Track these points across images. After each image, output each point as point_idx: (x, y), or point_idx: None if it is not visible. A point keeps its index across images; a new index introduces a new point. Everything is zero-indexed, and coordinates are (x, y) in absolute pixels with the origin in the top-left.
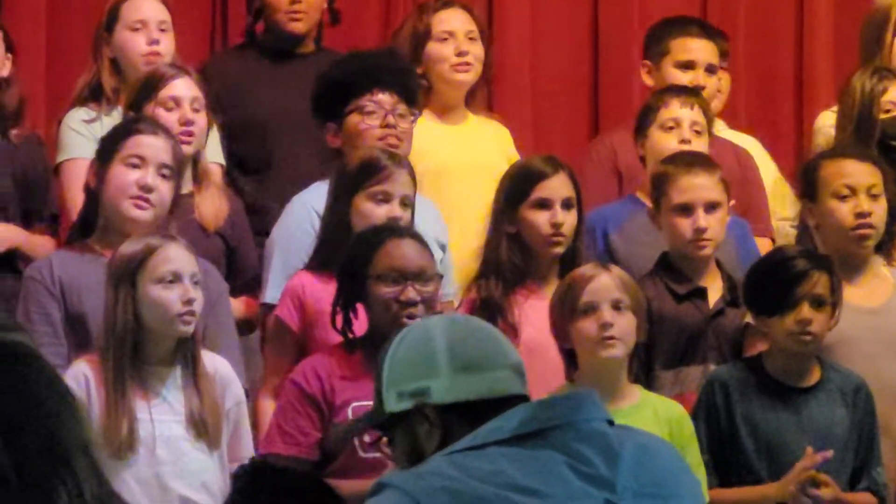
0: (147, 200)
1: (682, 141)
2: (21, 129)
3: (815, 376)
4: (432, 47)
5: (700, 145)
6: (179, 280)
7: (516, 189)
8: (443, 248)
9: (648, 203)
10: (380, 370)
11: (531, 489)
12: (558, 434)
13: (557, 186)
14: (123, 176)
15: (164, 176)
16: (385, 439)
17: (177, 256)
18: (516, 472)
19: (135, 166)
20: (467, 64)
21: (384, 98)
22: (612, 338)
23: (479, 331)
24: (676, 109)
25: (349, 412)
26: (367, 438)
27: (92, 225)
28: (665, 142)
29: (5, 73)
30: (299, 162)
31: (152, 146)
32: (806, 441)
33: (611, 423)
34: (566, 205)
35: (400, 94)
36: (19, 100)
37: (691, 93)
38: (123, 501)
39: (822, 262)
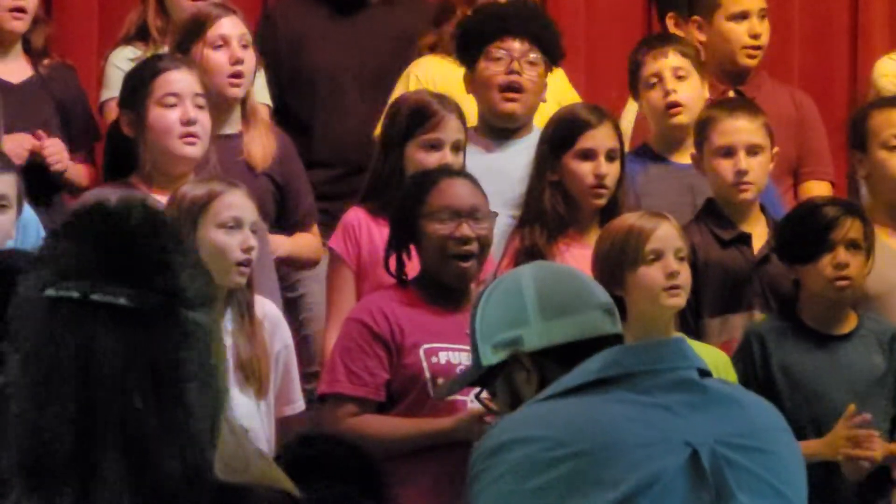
0: (194, 135)
1: (668, 92)
2: (50, 59)
3: (850, 323)
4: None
5: (688, 87)
6: (240, 227)
7: (561, 137)
8: None
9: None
10: (473, 326)
11: (597, 433)
12: (640, 380)
13: (602, 137)
14: (165, 117)
15: (199, 106)
16: (486, 394)
17: (240, 203)
18: (588, 415)
19: (171, 105)
20: None
21: (514, 45)
22: (677, 286)
23: (566, 274)
24: (652, 64)
25: (420, 354)
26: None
27: (124, 165)
28: (653, 99)
29: (26, 5)
30: (347, 119)
31: (182, 80)
32: (843, 387)
33: (704, 373)
34: (610, 156)
35: (532, 42)
36: (46, 37)
37: (661, 40)
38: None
39: (853, 208)
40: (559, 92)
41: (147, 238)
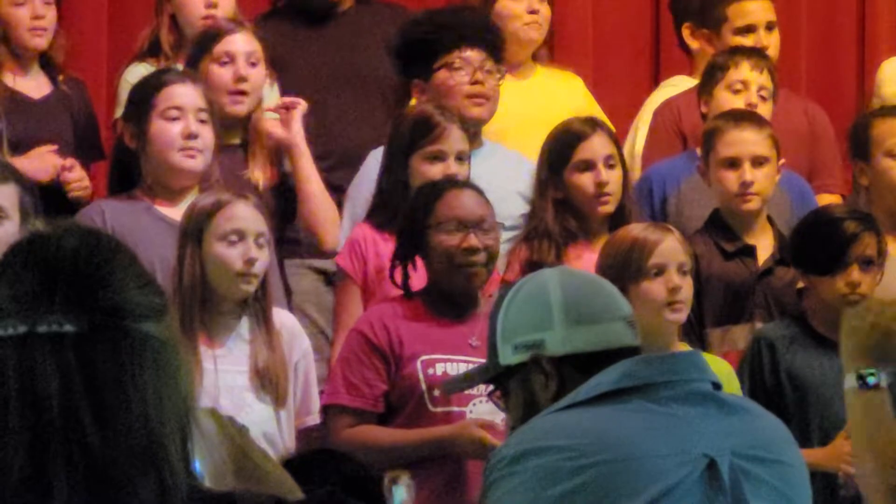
0: (195, 149)
1: (749, 104)
2: (65, 74)
3: None
4: (504, 4)
5: (765, 110)
6: (243, 239)
7: (558, 153)
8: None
9: None
10: (493, 324)
11: (619, 443)
12: (656, 391)
13: (598, 146)
14: (166, 130)
15: (202, 121)
16: (498, 392)
17: (243, 215)
18: (609, 425)
19: (174, 118)
20: (538, 23)
21: (472, 55)
22: (679, 302)
23: (592, 283)
24: (746, 72)
25: (418, 365)
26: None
27: (130, 178)
28: (731, 103)
29: (46, 24)
30: (337, 130)
31: (186, 94)
32: None
33: (717, 386)
34: (608, 163)
35: (488, 51)
36: (63, 51)
37: (762, 56)
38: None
39: (869, 221)
40: (580, 103)
41: (84, 258)
